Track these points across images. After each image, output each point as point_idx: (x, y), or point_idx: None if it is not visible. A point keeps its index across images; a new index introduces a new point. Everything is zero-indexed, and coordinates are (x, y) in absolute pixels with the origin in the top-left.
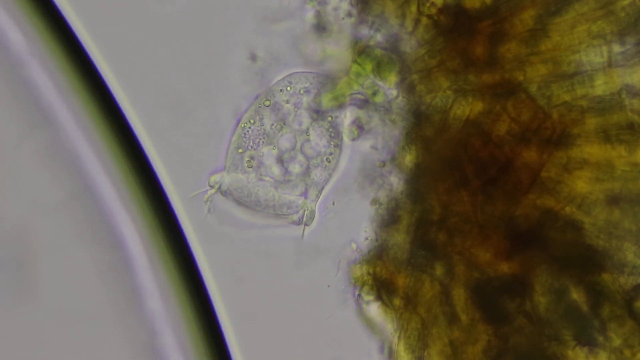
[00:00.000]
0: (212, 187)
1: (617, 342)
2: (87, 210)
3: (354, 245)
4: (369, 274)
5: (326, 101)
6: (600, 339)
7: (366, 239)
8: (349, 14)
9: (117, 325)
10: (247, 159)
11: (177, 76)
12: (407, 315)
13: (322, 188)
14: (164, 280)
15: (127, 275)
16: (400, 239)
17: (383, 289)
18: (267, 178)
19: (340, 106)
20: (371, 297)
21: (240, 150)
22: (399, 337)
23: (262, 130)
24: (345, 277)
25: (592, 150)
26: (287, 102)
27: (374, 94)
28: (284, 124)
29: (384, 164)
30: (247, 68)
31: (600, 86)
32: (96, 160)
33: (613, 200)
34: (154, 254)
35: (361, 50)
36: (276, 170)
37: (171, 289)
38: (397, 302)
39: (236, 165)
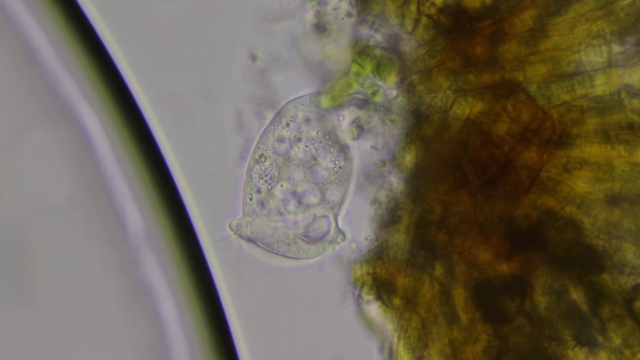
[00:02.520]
0: (232, 229)
1: (617, 342)
2: (89, 209)
3: (353, 245)
4: (368, 274)
5: (325, 101)
6: (600, 339)
7: (366, 239)
8: (349, 14)
9: (118, 325)
10: (262, 201)
11: (176, 76)
12: (407, 315)
13: (342, 203)
14: (173, 279)
15: (129, 275)
16: (400, 239)
17: (383, 289)
18: (278, 218)
19: (340, 106)
20: (371, 297)
21: (249, 197)
22: (398, 337)
23: (270, 170)
24: (346, 277)
25: (592, 150)
26: (293, 137)
27: (374, 93)
28: (289, 159)
29: (384, 163)
30: (247, 68)
31: (600, 86)
32: (95, 160)
33: (613, 200)
34: (162, 253)
35: (361, 50)
36: (293, 207)
37: (181, 290)
38: (397, 302)
39: (254, 212)
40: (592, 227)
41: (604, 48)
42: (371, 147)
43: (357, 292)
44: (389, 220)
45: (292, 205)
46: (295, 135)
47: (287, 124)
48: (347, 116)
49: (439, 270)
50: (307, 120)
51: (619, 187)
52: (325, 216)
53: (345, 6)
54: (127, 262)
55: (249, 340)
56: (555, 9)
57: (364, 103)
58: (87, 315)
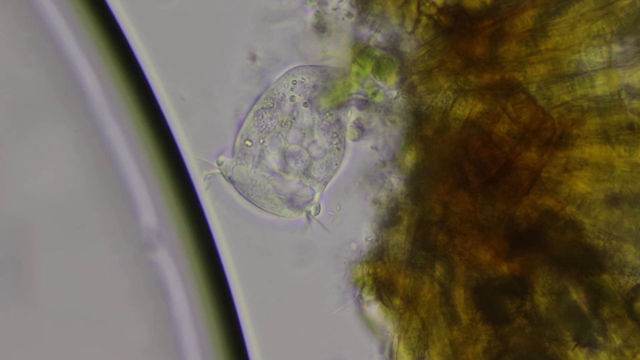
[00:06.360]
0: (219, 165)
1: (617, 342)
2: (94, 207)
3: (354, 246)
4: (369, 274)
5: (326, 101)
6: (601, 339)
7: (366, 239)
8: (349, 14)
9: (123, 326)
10: (252, 148)
11: (175, 76)
12: (408, 315)
13: (325, 183)
14: (187, 278)
15: (138, 275)
16: (400, 239)
17: (383, 289)
18: (266, 173)
19: (341, 106)
20: (371, 298)
21: (248, 143)
22: (399, 338)
23: (274, 118)
24: (346, 278)
25: (592, 151)
26: (298, 96)
27: (374, 94)
28: (293, 118)
29: (384, 164)
30: (247, 68)
31: (600, 86)
32: (101, 155)
33: (613, 200)
34: (176, 252)
35: (361, 50)
36: (275, 165)
37: (194, 289)
38: (397, 302)
39: (244, 154)
40: (592, 227)
41: (604, 48)
42: (371, 147)
43: (357, 293)
44: (389, 220)
45: (275, 160)
46: (303, 101)
47: (298, 83)
48: (351, 115)
49: (439, 270)
50: (315, 87)
51: (619, 187)
52: (311, 187)
53: (345, 6)
54: (137, 261)
55: (248, 341)
56: (555, 9)
57: (364, 103)
58: (90, 315)
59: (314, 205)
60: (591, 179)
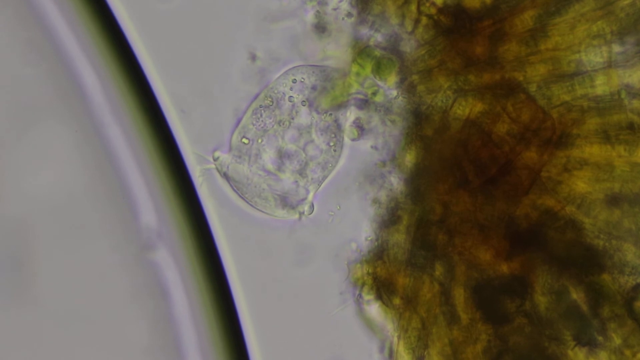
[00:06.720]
0: (215, 160)
1: (617, 342)
2: (94, 207)
3: (354, 245)
4: (369, 273)
5: (326, 101)
6: (600, 339)
7: (366, 239)
8: (349, 14)
9: (123, 326)
10: (248, 146)
11: (176, 76)
12: (407, 315)
13: (320, 184)
14: (187, 278)
15: (138, 275)
16: (400, 239)
17: (383, 288)
18: (262, 172)
19: (341, 106)
20: (371, 297)
21: (245, 141)
22: (399, 337)
23: (272, 117)
24: (347, 279)
25: (592, 151)
26: (297, 96)
27: (374, 93)
28: (292, 118)
29: (384, 163)
30: (247, 68)
31: (600, 86)
32: (96, 159)
33: (613, 200)
34: (176, 251)
35: (361, 50)
36: (271, 164)
37: (194, 289)
38: (397, 302)
39: (240, 152)
40: (592, 227)
41: (604, 48)
42: (371, 147)
43: (357, 292)
44: (389, 220)
45: (271, 159)
46: (301, 101)
47: (295, 82)
48: (349, 115)
49: (439, 270)
50: (314, 87)
51: (619, 187)
52: (305, 186)
53: (345, 6)
54: (137, 261)
55: (247, 341)
56: (555, 9)
57: (364, 103)
58: (90, 315)
59: (308, 204)
60: (591, 178)
